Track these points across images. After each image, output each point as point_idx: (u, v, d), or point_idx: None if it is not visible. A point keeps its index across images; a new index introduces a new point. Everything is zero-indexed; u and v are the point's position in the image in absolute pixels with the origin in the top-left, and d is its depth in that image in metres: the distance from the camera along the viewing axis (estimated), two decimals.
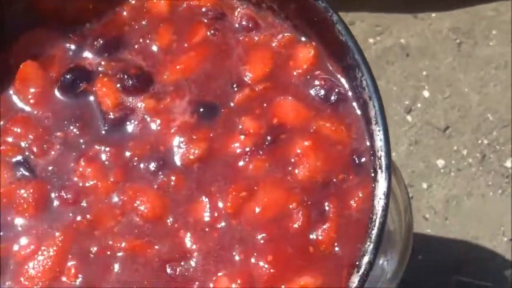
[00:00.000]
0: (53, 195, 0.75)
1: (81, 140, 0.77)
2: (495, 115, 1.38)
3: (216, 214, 0.73)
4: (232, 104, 0.76)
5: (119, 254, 0.73)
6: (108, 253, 0.73)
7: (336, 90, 0.75)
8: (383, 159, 0.69)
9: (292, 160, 0.74)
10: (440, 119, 1.38)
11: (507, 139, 1.36)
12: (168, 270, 0.73)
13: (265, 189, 0.73)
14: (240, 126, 0.75)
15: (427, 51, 1.42)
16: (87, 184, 0.75)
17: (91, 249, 0.73)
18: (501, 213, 1.32)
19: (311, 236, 0.72)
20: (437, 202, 1.33)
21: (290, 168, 0.74)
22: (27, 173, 0.76)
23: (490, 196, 1.33)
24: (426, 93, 1.40)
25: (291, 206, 0.73)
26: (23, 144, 0.77)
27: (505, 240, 1.30)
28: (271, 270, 0.71)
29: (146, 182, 0.75)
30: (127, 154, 0.76)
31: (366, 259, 0.68)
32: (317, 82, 0.76)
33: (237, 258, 0.72)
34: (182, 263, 0.73)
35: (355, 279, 0.68)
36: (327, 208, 0.73)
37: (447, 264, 1.28)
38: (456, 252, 1.30)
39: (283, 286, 0.71)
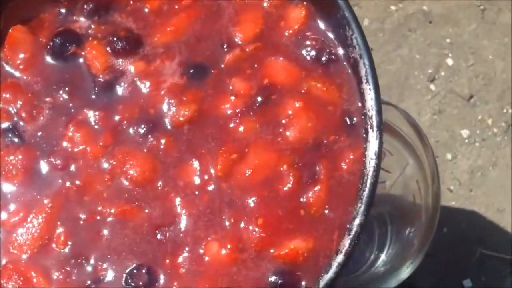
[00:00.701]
0: (42, 161, 0.74)
1: (70, 105, 0.76)
2: None
3: (206, 177, 0.72)
4: (222, 65, 0.75)
5: (109, 219, 0.72)
6: (98, 218, 0.72)
7: (327, 50, 0.74)
8: (374, 118, 0.68)
9: (283, 121, 0.73)
10: (464, 88, 1.35)
11: None
12: (158, 236, 0.72)
13: (255, 151, 0.72)
14: (231, 87, 0.74)
15: (450, 18, 1.38)
16: (76, 149, 0.74)
17: (80, 215, 0.73)
18: None
19: (301, 199, 0.71)
20: (461, 173, 1.30)
21: (281, 130, 0.73)
22: (15, 140, 0.75)
23: None
24: (449, 61, 1.36)
25: (281, 169, 0.71)
26: (12, 110, 0.76)
27: None
28: (261, 234, 0.70)
29: (135, 146, 0.74)
30: (116, 117, 0.75)
31: (357, 221, 0.67)
32: (308, 43, 0.74)
33: (227, 222, 0.71)
34: (172, 228, 0.72)
35: (346, 242, 0.67)
36: (318, 170, 0.71)
37: (471, 237, 1.26)
38: (480, 225, 1.27)
39: (272, 250, 0.70)
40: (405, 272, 0.97)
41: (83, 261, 0.71)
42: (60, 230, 0.72)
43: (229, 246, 0.70)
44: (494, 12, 1.37)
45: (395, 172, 1.06)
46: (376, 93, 0.68)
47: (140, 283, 0.70)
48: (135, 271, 0.71)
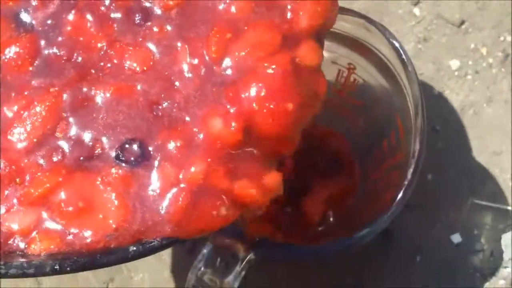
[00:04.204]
0: (46, 51, 0.75)
1: None
2: None
3: (198, 61, 0.73)
4: None
5: (105, 98, 0.74)
6: (96, 100, 0.74)
7: None
8: None
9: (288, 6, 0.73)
10: (454, 12, 1.21)
11: None
12: (154, 112, 0.73)
13: (254, 28, 0.72)
14: None
15: None
16: (81, 39, 0.76)
17: (80, 99, 0.74)
18: None
19: None
20: (450, 111, 1.17)
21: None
22: (23, 27, 0.76)
23: None
24: None
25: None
26: None
27: None
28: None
29: (133, 35, 0.75)
30: (113, 6, 0.76)
31: None
32: None
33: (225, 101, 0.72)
34: (168, 103, 0.73)
35: None
36: None
37: (461, 185, 1.14)
38: (472, 171, 1.15)
39: None
40: (379, 225, 0.84)
41: (79, 141, 0.73)
42: (61, 117, 0.74)
43: (234, 125, 0.70)
44: None
45: (370, 103, 0.98)
46: None
47: (132, 158, 0.72)
48: (126, 145, 0.72)
